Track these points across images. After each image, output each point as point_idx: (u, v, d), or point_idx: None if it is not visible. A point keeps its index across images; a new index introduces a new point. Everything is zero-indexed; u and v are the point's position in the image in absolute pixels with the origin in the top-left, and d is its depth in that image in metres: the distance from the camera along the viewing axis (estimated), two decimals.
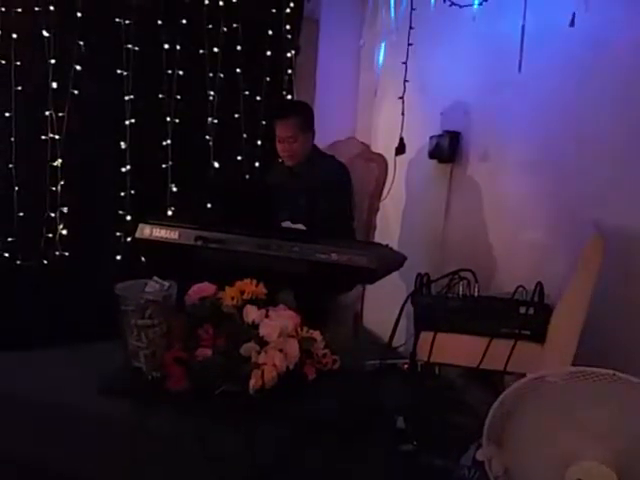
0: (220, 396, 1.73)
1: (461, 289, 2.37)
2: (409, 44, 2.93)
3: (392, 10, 3.09)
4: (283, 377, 1.78)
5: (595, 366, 2.09)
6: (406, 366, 2.57)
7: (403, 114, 3.02)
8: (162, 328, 1.83)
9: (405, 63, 2.95)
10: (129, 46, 3.10)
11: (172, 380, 1.77)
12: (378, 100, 3.64)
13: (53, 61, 2.98)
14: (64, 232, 3.05)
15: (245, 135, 3.42)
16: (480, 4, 2.67)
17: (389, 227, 3.09)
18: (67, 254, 3.06)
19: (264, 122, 3.46)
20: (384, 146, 3.35)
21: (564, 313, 2.17)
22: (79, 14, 3.00)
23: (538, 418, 1.45)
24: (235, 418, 1.70)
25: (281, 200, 2.69)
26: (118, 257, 3.12)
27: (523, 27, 2.49)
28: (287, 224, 2.59)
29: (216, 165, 3.35)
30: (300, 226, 2.58)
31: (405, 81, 2.98)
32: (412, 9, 2.90)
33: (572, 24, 2.32)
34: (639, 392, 1.36)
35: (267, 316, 1.89)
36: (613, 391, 1.39)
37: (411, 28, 2.92)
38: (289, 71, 3.47)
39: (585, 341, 2.13)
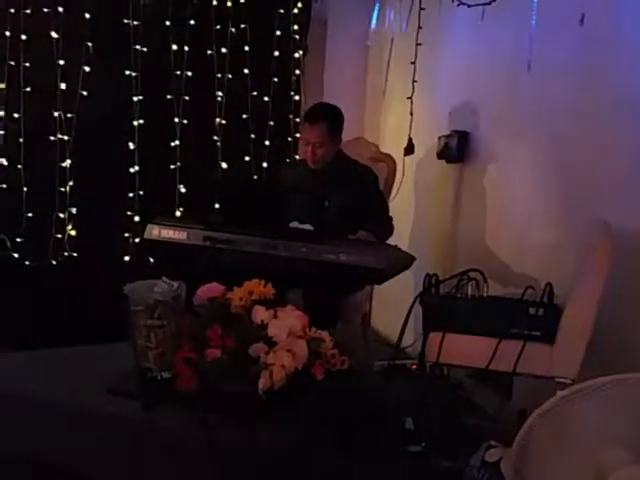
0: (229, 396, 1.73)
1: (470, 289, 2.35)
2: (418, 44, 2.92)
3: (400, 10, 3.08)
4: (292, 377, 1.77)
5: (606, 366, 2.10)
6: (414, 367, 2.56)
7: (412, 114, 3.02)
8: (171, 328, 1.82)
9: (414, 63, 2.94)
10: (137, 47, 3.12)
11: (181, 380, 1.77)
12: (386, 100, 3.63)
13: (62, 62, 3.00)
14: (73, 233, 3.07)
15: (253, 136, 3.43)
16: (489, 3, 2.65)
17: (398, 227, 3.07)
18: (75, 255, 3.08)
19: (272, 122, 3.47)
20: (393, 146, 3.34)
21: (574, 314, 2.15)
22: (87, 15, 3.02)
23: (562, 436, 1.43)
24: (244, 418, 1.69)
25: (298, 201, 2.65)
26: (126, 258, 3.13)
27: (533, 26, 2.48)
28: (295, 224, 2.59)
29: (224, 166, 3.36)
30: (308, 226, 2.57)
31: (414, 81, 2.97)
32: (421, 9, 2.89)
33: (582, 23, 2.31)
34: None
35: (275, 316, 1.89)
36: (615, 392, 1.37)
37: (420, 28, 2.91)
38: (297, 71, 3.49)
39: (595, 341, 2.12)
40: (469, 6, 2.72)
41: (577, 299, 2.15)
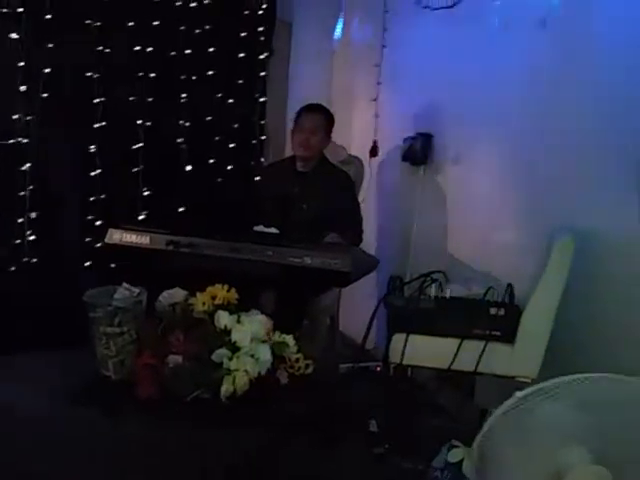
0: (191, 403, 1.72)
1: (433, 291, 2.38)
2: (383, 46, 2.93)
3: (365, 13, 3.10)
4: (255, 382, 1.77)
5: (566, 365, 2.14)
6: (378, 369, 2.58)
7: (377, 116, 3.03)
8: (131, 335, 1.80)
9: (378, 65, 2.96)
10: (99, 48, 3.06)
11: (142, 387, 1.75)
12: (352, 102, 3.64)
13: (22, 64, 2.92)
14: (32, 238, 2.99)
15: (218, 138, 3.40)
16: (451, 6, 2.69)
17: (365, 229, 3.09)
18: (36, 260, 3.00)
19: (237, 125, 3.44)
20: (359, 148, 3.36)
21: (534, 314, 2.20)
22: (48, 16, 2.95)
23: (522, 437, 1.45)
24: (207, 424, 1.68)
25: (284, 202, 2.75)
26: (88, 263, 3.07)
27: (493, 29, 2.52)
28: (260, 228, 2.58)
29: (188, 168, 3.32)
30: (273, 230, 2.57)
31: (378, 83, 2.98)
32: (385, 11, 2.91)
33: (543, 25, 2.35)
34: (599, 386, 1.37)
35: (239, 321, 1.88)
36: (575, 391, 1.39)
37: (384, 30, 2.92)
38: (262, 73, 3.46)
39: (555, 341, 2.17)
40: (433, 9, 2.75)
41: (537, 299, 2.20)
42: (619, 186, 2.14)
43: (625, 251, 2.13)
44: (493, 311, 2.23)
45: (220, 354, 1.77)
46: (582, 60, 2.28)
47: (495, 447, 1.45)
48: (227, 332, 1.83)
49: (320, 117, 2.80)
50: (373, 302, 2.36)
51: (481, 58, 2.59)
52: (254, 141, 3.51)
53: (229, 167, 3.45)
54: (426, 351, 2.28)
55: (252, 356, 1.79)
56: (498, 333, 2.20)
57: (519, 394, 1.43)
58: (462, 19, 2.70)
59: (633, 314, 2.08)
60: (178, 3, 3.19)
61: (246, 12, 3.36)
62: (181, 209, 3.15)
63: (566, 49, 2.34)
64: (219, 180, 3.43)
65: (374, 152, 3.12)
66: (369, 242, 3.30)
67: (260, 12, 3.38)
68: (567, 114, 2.34)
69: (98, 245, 3.02)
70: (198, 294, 1.94)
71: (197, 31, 3.25)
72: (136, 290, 1.84)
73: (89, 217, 3.08)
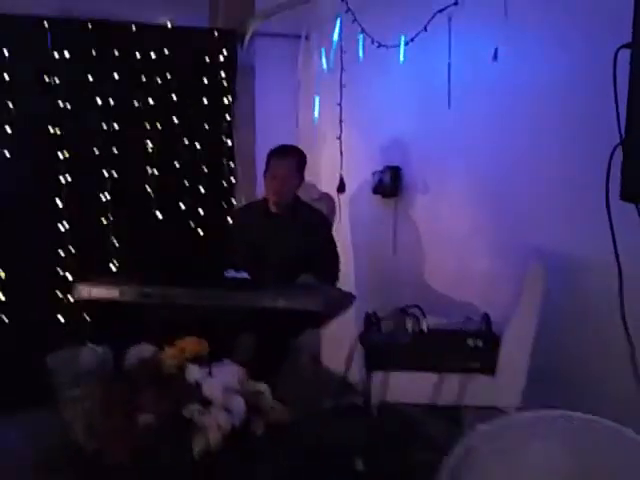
0: (165, 464, 1.65)
1: (410, 325, 2.35)
2: (342, 85, 2.96)
3: (323, 53, 3.14)
4: (229, 437, 1.70)
5: (546, 390, 2.11)
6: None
7: (342, 153, 3.05)
8: (98, 397, 1.74)
9: (340, 104, 2.99)
10: (59, 102, 3.05)
11: (112, 452, 1.68)
12: (319, 140, 3.67)
13: None
14: (2, 298, 2.93)
15: (187, 183, 3.39)
16: (407, 44, 2.73)
17: (342, 265, 3.08)
18: (6, 320, 2.94)
19: (206, 169, 3.44)
20: (329, 185, 3.37)
21: (512, 343, 2.17)
22: (7, 77, 2.95)
23: (494, 463, 1.42)
24: None
25: (259, 245, 2.74)
26: (60, 318, 3.01)
27: (449, 65, 2.56)
28: (231, 274, 2.55)
29: (159, 216, 3.30)
30: (244, 275, 2.54)
31: (340, 121, 3.01)
32: (342, 52, 2.95)
33: (495, 58, 2.39)
34: (588, 429, 1.35)
35: (210, 374, 1.83)
36: (564, 430, 1.38)
37: (343, 70, 2.96)
38: (227, 117, 3.48)
39: (536, 364, 2.14)
40: (388, 47, 2.79)
41: (514, 328, 2.18)
42: (588, 209, 2.14)
43: (598, 273, 2.12)
44: (471, 342, 2.21)
45: (191, 410, 1.71)
46: (535, 87, 2.31)
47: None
48: (198, 386, 1.78)
49: (291, 162, 2.76)
50: (354, 336, 2.34)
51: (437, 93, 2.62)
52: (225, 184, 3.51)
53: (201, 211, 3.43)
54: (407, 387, 2.24)
55: (225, 409, 1.74)
56: (477, 365, 2.18)
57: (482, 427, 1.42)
58: (417, 55, 2.74)
59: (609, 338, 2.07)
60: (138, 56, 3.21)
61: (207, 59, 3.38)
62: (152, 257, 3.10)
63: (519, 77, 2.37)
64: (192, 225, 3.41)
65: (341, 188, 3.12)
66: (348, 277, 3.29)
67: (221, 58, 3.41)
68: (531, 141, 2.37)
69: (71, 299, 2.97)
70: (167, 348, 1.89)
71: (159, 81, 3.27)
72: (100, 350, 1.78)
73: (60, 272, 3.03)
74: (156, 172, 3.30)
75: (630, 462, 1.30)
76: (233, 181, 3.54)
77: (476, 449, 1.40)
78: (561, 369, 2.20)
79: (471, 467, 1.39)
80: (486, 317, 2.30)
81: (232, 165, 3.53)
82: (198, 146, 3.41)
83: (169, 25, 3.30)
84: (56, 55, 3.02)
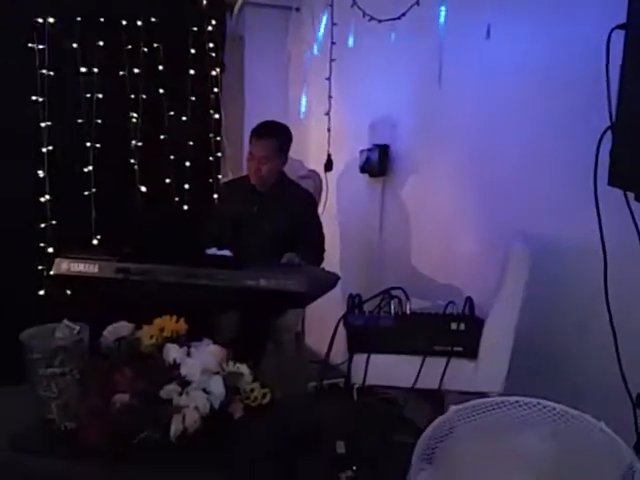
0: (140, 445, 1.63)
1: (393, 307, 2.33)
2: (331, 59, 2.89)
3: (315, 25, 3.06)
4: (207, 419, 1.69)
5: (529, 376, 2.11)
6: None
7: (329, 130, 2.99)
8: (74, 375, 1.71)
9: (329, 79, 2.92)
10: (44, 71, 2.96)
11: (88, 431, 1.66)
12: (308, 116, 3.60)
13: None
14: None
15: (172, 157, 3.32)
16: (398, 18, 2.66)
17: (327, 245, 3.04)
18: None
19: (192, 142, 3.37)
20: (316, 162, 3.31)
21: (495, 327, 2.16)
22: None
23: (469, 446, 1.42)
24: (156, 468, 1.60)
25: (243, 222, 2.67)
26: (41, 292, 2.97)
27: (440, 42, 2.50)
28: (213, 251, 2.51)
29: (143, 189, 3.24)
30: (227, 252, 2.50)
31: (329, 97, 2.94)
32: (333, 24, 2.88)
33: (488, 36, 2.34)
34: (564, 420, 1.34)
35: (189, 354, 1.80)
36: (539, 418, 1.37)
37: (333, 43, 2.89)
38: (215, 89, 3.40)
39: (519, 350, 2.13)
40: (379, 21, 2.72)
41: (497, 312, 2.16)
42: (575, 193, 2.12)
43: (584, 257, 2.11)
44: (454, 326, 2.19)
45: (169, 390, 1.69)
46: (530, 66, 2.26)
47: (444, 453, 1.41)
48: (176, 366, 1.76)
49: (271, 143, 2.63)
50: (339, 316, 2.31)
51: (428, 70, 2.56)
52: (211, 158, 3.45)
53: (186, 186, 3.37)
54: (388, 370, 2.22)
55: (204, 390, 1.72)
56: (460, 349, 2.16)
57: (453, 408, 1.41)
58: (409, 31, 2.67)
59: (589, 322, 2.06)
60: (124, 22, 3.12)
61: (194, 29, 3.29)
62: (135, 232, 3.05)
63: (513, 56, 2.32)
64: (177, 200, 3.35)
65: (329, 166, 3.07)
66: (333, 257, 3.26)
67: (209, 28, 3.32)
68: (520, 123, 2.33)
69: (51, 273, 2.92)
70: (145, 327, 1.86)
71: (145, 50, 3.17)
72: (77, 327, 1.74)
73: (41, 244, 2.98)
74: (140, 144, 3.22)
75: (600, 454, 1.30)
76: (219, 155, 3.47)
77: (451, 428, 1.40)
78: (544, 352, 2.20)
79: (446, 446, 1.39)
80: (469, 300, 2.29)
81: (219, 139, 3.46)
82: (184, 118, 3.33)
83: None
84: (40, 20, 2.92)
